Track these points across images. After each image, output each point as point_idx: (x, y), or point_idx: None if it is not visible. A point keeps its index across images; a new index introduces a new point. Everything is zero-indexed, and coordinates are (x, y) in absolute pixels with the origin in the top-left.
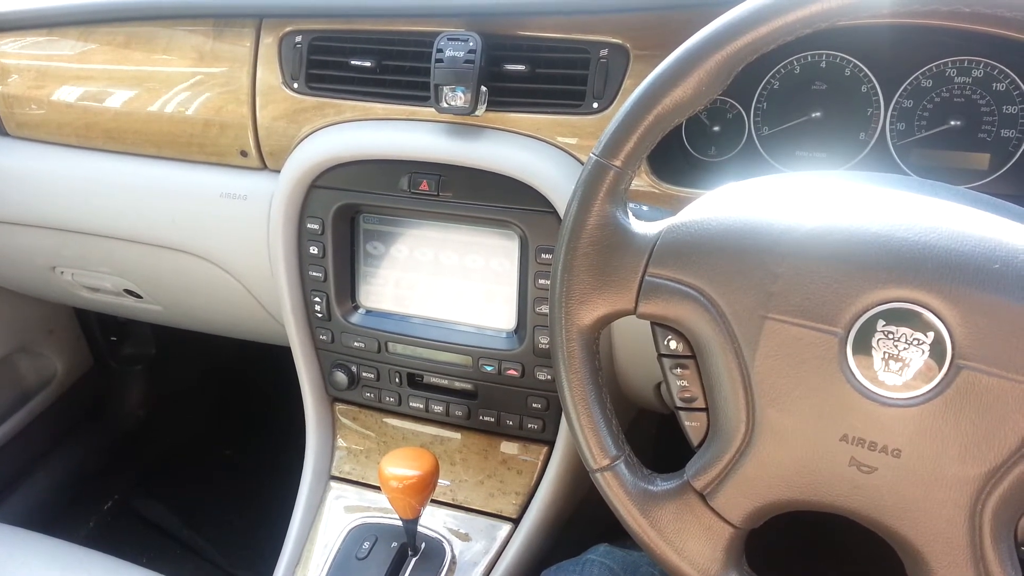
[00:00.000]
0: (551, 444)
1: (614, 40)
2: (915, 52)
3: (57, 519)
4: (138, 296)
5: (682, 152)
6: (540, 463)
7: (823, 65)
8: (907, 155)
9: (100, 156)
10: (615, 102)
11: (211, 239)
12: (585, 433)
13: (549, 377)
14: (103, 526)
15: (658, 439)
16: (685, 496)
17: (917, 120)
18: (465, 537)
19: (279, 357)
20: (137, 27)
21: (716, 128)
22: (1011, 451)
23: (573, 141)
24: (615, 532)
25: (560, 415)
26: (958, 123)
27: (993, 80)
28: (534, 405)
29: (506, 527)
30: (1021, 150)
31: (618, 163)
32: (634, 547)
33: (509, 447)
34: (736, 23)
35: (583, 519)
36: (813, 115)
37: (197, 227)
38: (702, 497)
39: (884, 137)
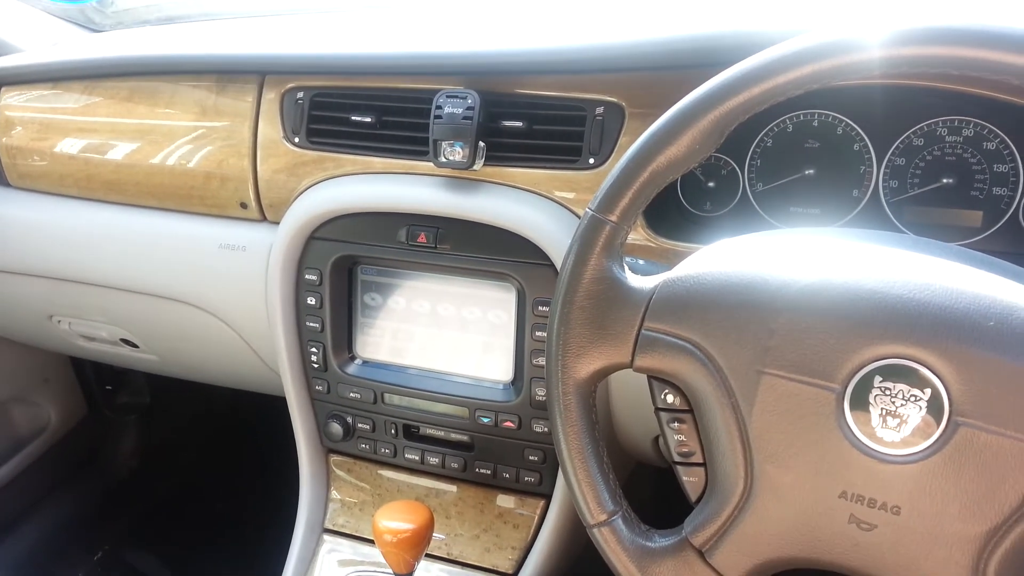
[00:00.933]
0: (548, 498)
1: (610, 98)
2: (906, 111)
3: (47, 571)
4: (134, 345)
5: (677, 207)
6: (537, 517)
7: (815, 124)
8: (900, 212)
9: (100, 207)
10: (611, 158)
11: (209, 290)
12: (582, 487)
13: (546, 429)
14: None
15: (656, 494)
16: (683, 553)
17: (910, 178)
18: None
19: (274, 407)
20: (141, 82)
21: (711, 184)
22: (1012, 509)
23: (570, 195)
24: None
25: (557, 468)
26: (950, 181)
27: (983, 139)
28: (531, 457)
29: None
30: (1013, 208)
31: (614, 218)
32: None
33: (506, 500)
34: (729, 83)
35: (580, 574)
36: (806, 172)
37: (195, 278)
38: (701, 554)
39: (877, 194)
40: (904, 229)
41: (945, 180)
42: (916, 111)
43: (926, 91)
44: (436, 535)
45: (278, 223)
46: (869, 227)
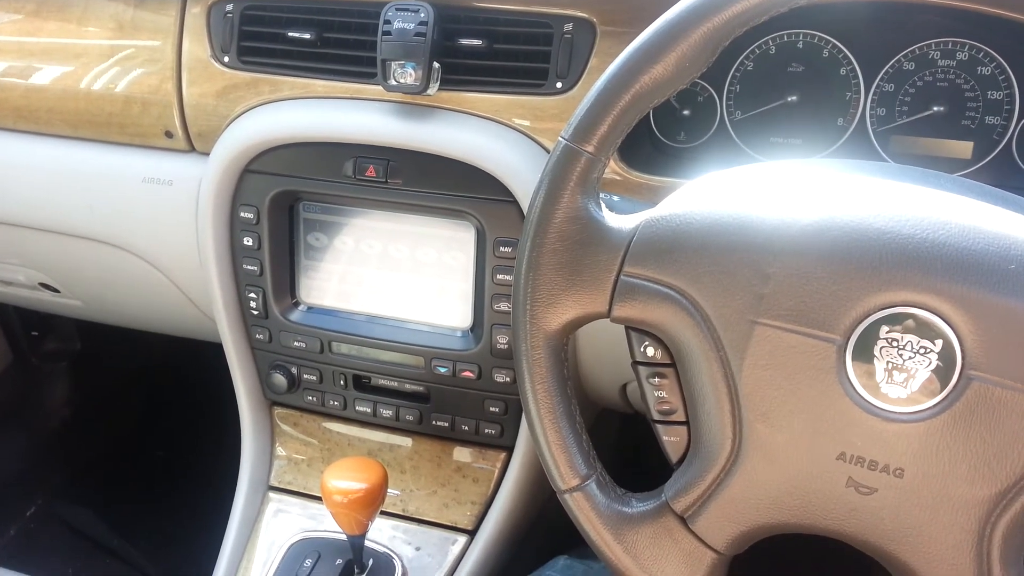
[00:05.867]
0: (509, 450)
1: (580, 14)
2: (897, 33)
3: None
4: (55, 290)
5: (649, 137)
6: (497, 471)
7: (800, 46)
8: (886, 142)
9: (9, 137)
10: (580, 82)
11: (133, 229)
12: (552, 450)
13: (508, 379)
14: (25, 534)
15: (621, 441)
16: (663, 519)
17: (899, 105)
18: (417, 552)
19: (216, 353)
20: None
21: (686, 112)
22: None
23: (535, 124)
24: (575, 542)
25: (520, 419)
26: (941, 109)
27: (978, 64)
28: (491, 409)
29: (461, 540)
30: (1006, 138)
31: (590, 148)
32: (595, 559)
33: (464, 454)
34: None
35: (542, 528)
36: (789, 99)
37: (117, 215)
38: (682, 520)
39: (864, 123)
40: (890, 161)
41: (936, 108)
42: (908, 32)
43: (919, 8)
44: (391, 491)
45: (208, 154)
46: (854, 158)
